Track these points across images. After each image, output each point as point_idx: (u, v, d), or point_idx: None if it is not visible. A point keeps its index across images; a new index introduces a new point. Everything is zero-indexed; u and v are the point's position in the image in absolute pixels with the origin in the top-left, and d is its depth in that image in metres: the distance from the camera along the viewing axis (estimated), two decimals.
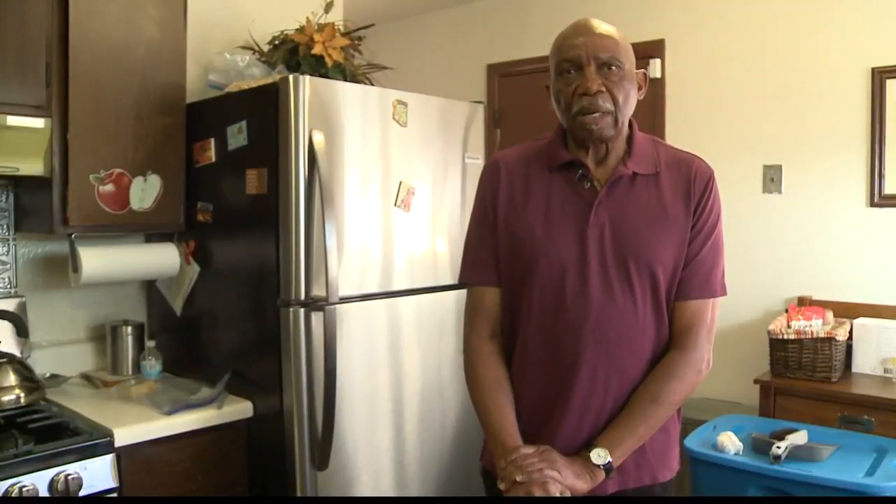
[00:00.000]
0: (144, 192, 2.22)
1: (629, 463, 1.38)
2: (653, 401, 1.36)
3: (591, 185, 1.41)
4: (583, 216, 1.39)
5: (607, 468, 1.31)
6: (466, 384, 1.49)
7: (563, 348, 1.38)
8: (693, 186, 1.41)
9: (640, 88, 1.43)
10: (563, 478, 1.28)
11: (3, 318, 2.01)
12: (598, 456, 1.31)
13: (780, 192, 3.16)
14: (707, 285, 1.41)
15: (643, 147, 1.44)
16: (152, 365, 2.33)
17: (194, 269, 2.34)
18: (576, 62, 1.36)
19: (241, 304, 2.20)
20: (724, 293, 1.43)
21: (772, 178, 3.17)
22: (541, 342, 1.41)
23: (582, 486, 1.30)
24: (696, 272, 1.40)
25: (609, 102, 1.35)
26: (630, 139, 1.44)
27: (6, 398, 1.90)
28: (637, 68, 1.43)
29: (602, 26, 1.39)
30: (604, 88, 1.34)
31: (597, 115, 1.35)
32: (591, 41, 1.36)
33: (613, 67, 1.35)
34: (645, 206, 1.40)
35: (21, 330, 2.06)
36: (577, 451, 1.36)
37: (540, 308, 1.40)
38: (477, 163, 2.49)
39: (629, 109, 1.40)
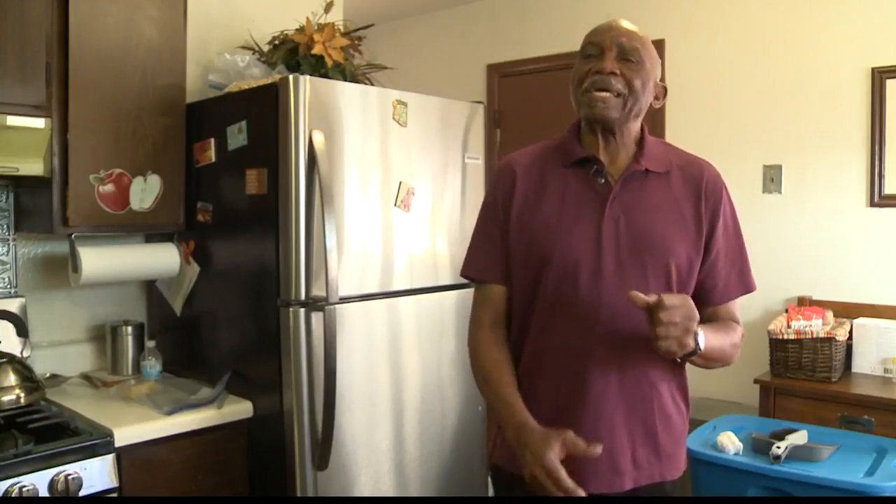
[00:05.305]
0: (144, 193, 2.22)
1: (643, 460, 1.41)
2: (727, 325, 1.44)
3: (606, 180, 1.44)
4: (598, 210, 1.41)
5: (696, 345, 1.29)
6: (473, 375, 1.52)
7: (576, 341, 1.39)
8: (704, 193, 1.45)
9: (657, 98, 1.48)
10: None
11: (3, 318, 2.01)
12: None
13: (780, 192, 3.16)
14: (746, 281, 1.50)
15: (654, 147, 1.49)
16: (152, 365, 2.33)
17: (194, 269, 2.34)
18: (599, 45, 1.41)
19: (241, 304, 2.20)
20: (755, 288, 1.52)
21: (772, 178, 3.17)
22: (554, 335, 1.42)
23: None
24: (731, 271, 1.47)
25: (622, 84, 1.39)
26: (641, 140, 1.48)
27: (6, 398, 1.90)
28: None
29: (633, 26, 1.44)
30: (618, 72, 1.38)
31: (605, 94, 1.38)
32: (619, 33, 1.41)
33: (633, 60, 1.39)
34: (659, 202, 1.43)
35: (21, 330, 2.06)
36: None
37: (554, 300, 1.41)
38: (477, 163, 2.49)
39: (641, 102, 1.43)
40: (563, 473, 1.24)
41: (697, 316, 1.27)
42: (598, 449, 1.25)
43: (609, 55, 1.39)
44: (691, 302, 1.27)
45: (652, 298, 1.24)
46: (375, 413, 2.19)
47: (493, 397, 1.45)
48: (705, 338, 1.30)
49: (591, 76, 1.40)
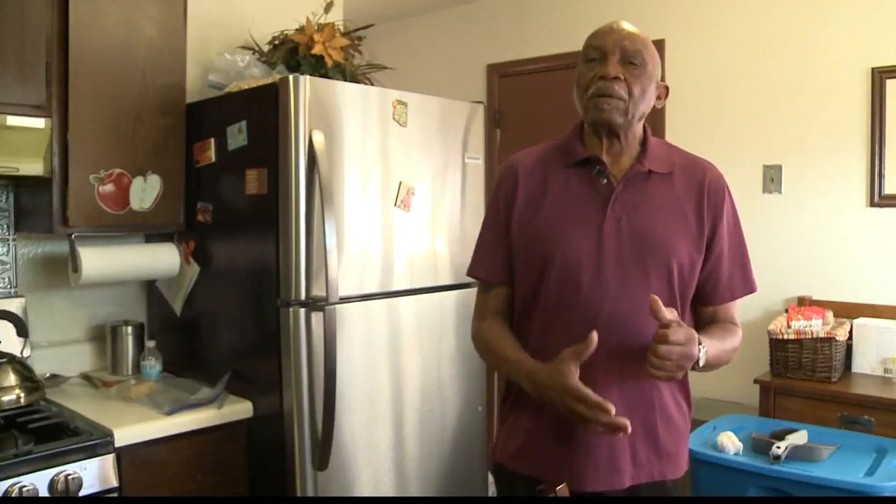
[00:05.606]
0: (144, 192, 2.22)
1: (643, 459, 1.42)
2: (727, 329, 1.46)
3: (608, 180, 1.45)
4: (600, 210, 1.42)
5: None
6: (480, 355, 1.56)
7: (578, 340, 1.37)
8: (707, 193, 1.46)
9: (659, 98, 1.49)
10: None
11: (3, 318, 2.01)
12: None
13: (780, 192, 3.16)
14: (749, 281, 1.50)
15: (657, 148, 1.49)
16: (152, 365, 2.33)
17: (194, 269, 2.34)
18: (601, 49, 1.41)
19: (241, 304, 2.20)
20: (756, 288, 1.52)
21: (772, 178, 3.17)
22: (556, 334, 1.42)
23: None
24: (733, 270, 1.48)
25: (624, 90, 1.40)
26: (644, 141, 1.49)
27: (6, 398, 1.90)
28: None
29: (634, 28, 1.45)
30: (622, 77, 1.39)
31: (610, 99, 1.39)
32: (621, 36, 1.41)
33: (636, 63, 1.40)
34: (661, 203, 1.44)
35: (21, 330, 2.06)
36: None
37: (556, 300, 1.42)
38: (477, 163, 2.49)
39: (643, 106, 1.44)
40: (588, 392, 1.27)
41: (697, 356, 1.28)
42: (594, 335, 1.27)
43: (612, 59, 1.39)
44: (695, 341, 1.28)
45: (668, 318, 1.25)
46: (375, 413, 2.19)
47: (497, 360, 1.48)
48: (706, 352, 1.31)
49: (595, 82, 1.40)
